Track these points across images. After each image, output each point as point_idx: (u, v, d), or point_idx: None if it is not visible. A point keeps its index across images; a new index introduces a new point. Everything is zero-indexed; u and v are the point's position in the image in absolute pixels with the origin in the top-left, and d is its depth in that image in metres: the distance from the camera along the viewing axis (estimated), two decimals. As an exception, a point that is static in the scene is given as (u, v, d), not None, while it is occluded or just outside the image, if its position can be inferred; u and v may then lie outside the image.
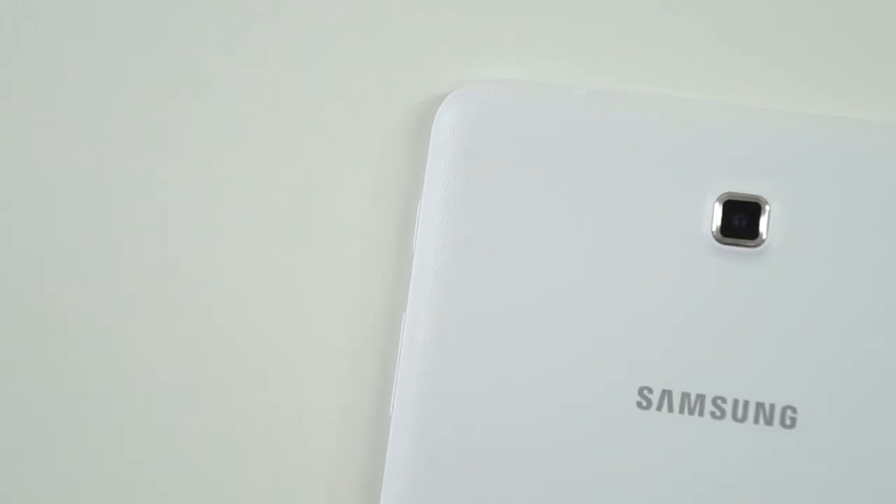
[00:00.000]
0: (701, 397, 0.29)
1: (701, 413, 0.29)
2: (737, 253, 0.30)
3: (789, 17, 0.32)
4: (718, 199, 0.30)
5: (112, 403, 0.32)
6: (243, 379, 0.32)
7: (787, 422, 0.29)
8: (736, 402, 0.29)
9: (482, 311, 0.30)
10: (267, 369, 0.32)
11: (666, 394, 0.29)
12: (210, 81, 0.33)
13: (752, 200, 0.30)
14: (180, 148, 0.33)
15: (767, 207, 0.30)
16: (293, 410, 0.32)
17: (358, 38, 0.33)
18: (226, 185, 0.32)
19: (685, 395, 0.29)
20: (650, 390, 0.29)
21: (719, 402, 0.29)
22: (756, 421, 0.29)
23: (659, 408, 0.29)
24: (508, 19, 0.32)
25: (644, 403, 0.29)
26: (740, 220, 0.30)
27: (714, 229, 0.30)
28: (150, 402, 0.32)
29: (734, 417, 0.29)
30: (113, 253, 0.32)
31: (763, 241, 0.30)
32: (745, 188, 0.30)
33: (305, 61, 0.33)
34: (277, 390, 0.32)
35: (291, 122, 0.33)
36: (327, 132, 0.32)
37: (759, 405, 0.29)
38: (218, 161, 0.33)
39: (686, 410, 0.29)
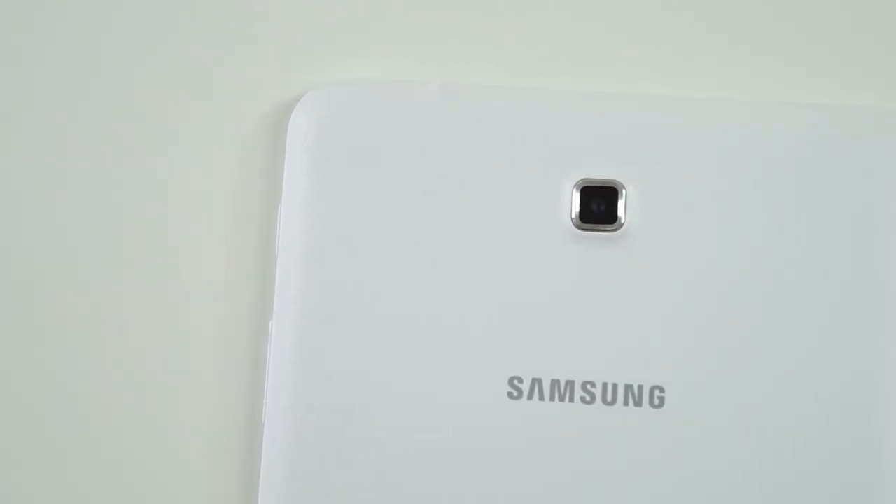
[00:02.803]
0: (570, 383, 0.30)
1: (571, 399, 0.30)
2: (597, 238, 0.30)
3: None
4: (576, 186, 0.30)
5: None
6: (109, 389, 0.31)
7: (656, 402, 0.30)
8: (605, 385, 0.30)
9: (347, 314, 0.30)
10: (134, 380, 0.31)
11: (536, 382, 0.30)
12: (65, 84, 0.32)
13: (609, 185, 0.30)
14: (42, 151, 0.32)
15: (624, 191, 0.30)
16: (163, 422, 0.31)
17: (215, 40, 0.32)
18: (81, 192, 0.32)
19: (555, 382, 0.30)
20: (520, 380, 0.30)
21: (588, 386, 0.30)
22: (626, 403, 0.30)
23: (530, 397, 0.30)
24: (371, 19, 0.32)
25: (515, 393, 0.30)
26: (598, 206, 0.30)
27: (573, 216, 0.30)
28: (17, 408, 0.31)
29: (604, 401, 0.30)
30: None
31: (622, 224, 0.30)
32: (601, 173, 0.30)
33: (164, 67, 0.32)
34: (146, 401, 0.31)
35: (149, 126, 0.32)
36: (185, 136, 0.32)
37: (628, 387, 0.30)
38: (69, 166, 0.32)
39: (557, 397, 0.30)
